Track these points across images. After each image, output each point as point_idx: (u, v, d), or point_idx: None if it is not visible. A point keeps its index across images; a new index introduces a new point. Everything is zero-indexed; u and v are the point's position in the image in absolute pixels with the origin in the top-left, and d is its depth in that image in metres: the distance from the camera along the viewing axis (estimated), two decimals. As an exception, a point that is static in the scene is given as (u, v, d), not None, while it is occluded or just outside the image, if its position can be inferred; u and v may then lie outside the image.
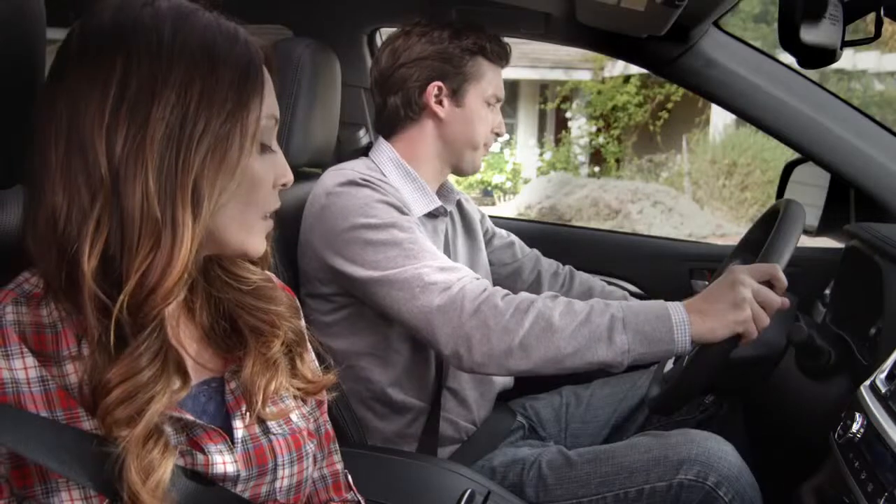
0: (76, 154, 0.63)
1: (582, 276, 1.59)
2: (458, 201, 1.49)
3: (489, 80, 1.35)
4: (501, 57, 1.37)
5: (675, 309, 1.09)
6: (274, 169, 0.72)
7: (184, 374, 0.68)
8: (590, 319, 1.09)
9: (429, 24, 1.33)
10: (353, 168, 1.27)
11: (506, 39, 1.39)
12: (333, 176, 1.25)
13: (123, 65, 0.63)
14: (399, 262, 1.15)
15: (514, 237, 1.61)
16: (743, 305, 1.07)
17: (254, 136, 0.68)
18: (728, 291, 1.08)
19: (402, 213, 1.22)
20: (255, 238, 0.73)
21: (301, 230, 1.27)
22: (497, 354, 1.09)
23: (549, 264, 1.60)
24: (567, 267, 1.60)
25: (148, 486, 0.63)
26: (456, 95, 1.33)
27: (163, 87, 0.63)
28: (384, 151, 1.35)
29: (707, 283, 1.31)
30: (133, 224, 0.63)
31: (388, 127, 1.37)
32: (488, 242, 1.58)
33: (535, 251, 1.62)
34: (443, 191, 1.42)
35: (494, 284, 1.31)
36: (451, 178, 1.46)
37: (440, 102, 1.32)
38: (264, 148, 0.71)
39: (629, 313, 1.09)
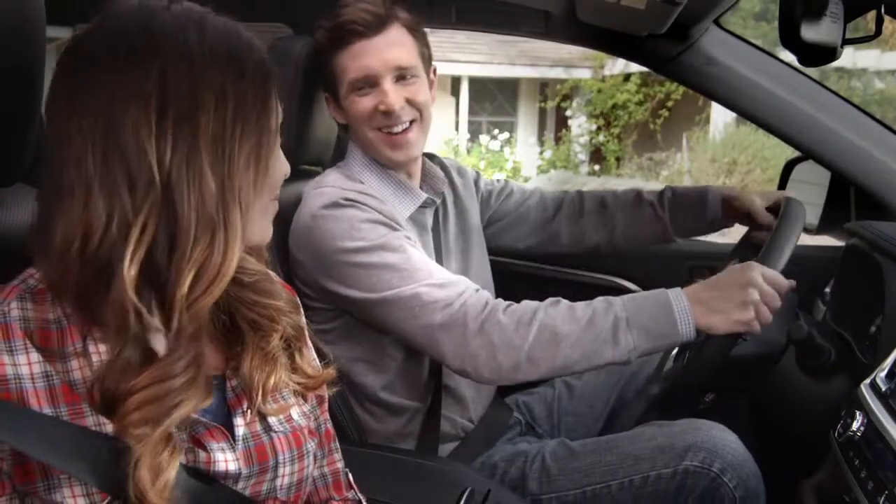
0: (117, 159, 0.62)
1: (593, 195, 1.54)
2: (455, 189, 1.45)
3: (342, 70, 1.23)
4: (345, 34, 1.21)
5: (677, 299, 1.09)
6: (283, 161, 0.75)
7: (208, 383, 0.69)
8: (593, 323, 1.09)
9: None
10: (335, 185, 1.24)
11: (506, 37, 1.38)
12: (316, 197, 1.22)
13: (160, 70, 0.63)
14: (394, 284, 1.14)
15: (512, 186, 1.56)
16: (749, 308, 1.07)
17: (276, 133, 0.70)
18: (739, 291, 1.08)
19: (390, 227, 1.19)
20: (269, 223, 0.75)
21: (290, 247, 1.25)
22: (505, 370, 1.10)
23: (551, 195, 1.55)
24: (574, 191, 1.56)
25: (157, 486, 0.63)
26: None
27: (203, 92, 0.64)
28: (357, 156, 1.31)
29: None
30: (188, 226, 0.63)
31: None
32: (493, 201, 1.53)
33: (538, 189, 1.58)
34: (428, 179, 1.37)
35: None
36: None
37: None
38: (278, 139, 0.73)
39: (632, 310, 1.09)
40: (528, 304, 1.13)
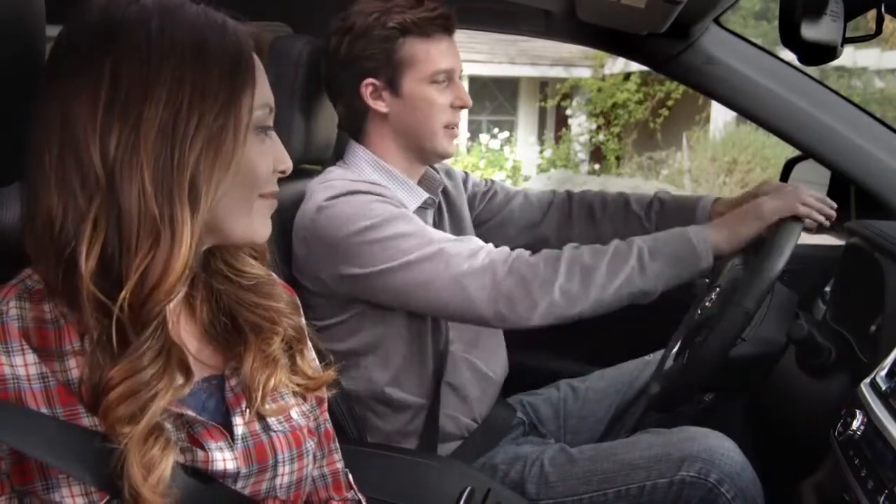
0: (70, 155, 0.63)
1: (582, 199, 1.53)
2: (447, 190, 1.45)
3: (426, 59, 1.24)
4: (436, 29, 1.24)
5: (694, 228, 1.18)
6: (272, 155, 0.73)
7: (186, 371, 0.68)
8: (619, 254, 1.14)
9: (353, 16, 1.25)
10: (340, 177, 1.25)
11: (506, 36, 1.38)
12: (322, 190, 1.22)
13: (113, 64, 0.63)
14: (414, 248, 1.15)
15: (498, 186, 1.55)
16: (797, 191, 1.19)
17: (247, 127, 0.68)
18: (752, 208, 1.20)
19: (398, 207, 1.21)
20: (258, 221, 0.73)
21: (293, 244, 1.24)
22: (541, 305, 1.11)
23: (539, 196, 1.55)
24: (563, 192, 1.56)
25: (149, 482, 0.63)
26: (393, 86, 1.25)
27: (153, 84, 0.63)
28: (359, 155, 1.31)
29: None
30: (131, 223, 0.63)
31: (350, 128, 1.35)
32: (477, 202, 1.53)
33: (524, 190, 1.56)
34: (426, 182, 1.38)
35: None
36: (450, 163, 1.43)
37: (379, 98, 1.27)
38: (260, 136, 0.71)
39: (651, 241, 1.16)
40: (551, 250, 1.16)
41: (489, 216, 1.53)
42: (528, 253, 1.15)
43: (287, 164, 0.74)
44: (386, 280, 1.16)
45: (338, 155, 1.41)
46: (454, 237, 1.19)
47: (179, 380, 0.67)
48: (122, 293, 0.62)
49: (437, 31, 1.24)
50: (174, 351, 0.67)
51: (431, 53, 1.24)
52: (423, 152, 1.31)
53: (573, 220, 1.51)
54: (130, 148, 0.63)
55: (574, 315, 1.13)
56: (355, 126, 1.34)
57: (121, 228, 0.63)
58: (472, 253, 1.14)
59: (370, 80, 1.26)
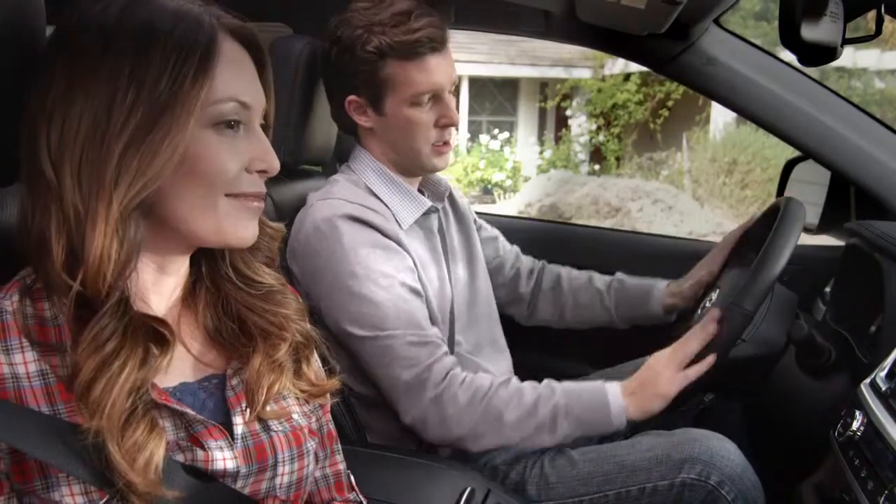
0: (30, 156, 0.65)
1: (551, 272, 1.59)
2: (450, 193, 1.46)
3: (404, 82, 1.21)
4: (413, 49, 1.20)
5: (614, 393, 1.18)
6: (242, 151, 0.70)
7: (160, 339, 0.67)
8: (536, 411, 1.17)
9: (338, 27, 1.23)
10: (342, 196, 1.23)
11: (506, 36, 1.37)
12: (322, 208, 1.22)
13: (64, 61, 0.65)
14: (375, 323, 1.17)
15: (497, 232, 1.59)
16: (672, 388, 1.17)
17: (191, 119, 0.65)
18: (660, 385, 1.18)
19: (391, 250, 1.21)
20: (228, 223, 0.70)
21: (288, 250, 1.24)
22: (449, 438, 1.19)
23: (526, 261, 1.60)
24: (541, 262, 1.61)
25: (136, 467, 0.62)
26: (374, 106, 1.25)
27: (92, 79, 0.64)
28: (363, 160, 1.31)
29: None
30: (68, 211, 0.64)
31: (352, 134, 1.35)
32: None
33: (516, 248, 1.61)
34: (431, 186, 1.38)
35: None
36: (450, 177, 1.44)
37: (364, 114, 1.27)
38: (220, 128, 0.68)
39: (572, 400, 1.18)
40: (481, 382, 1.18)
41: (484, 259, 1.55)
42: (461, 377, 1.18)
43: (266, 165, 0.71)
44: (340, 336, 1.21)
45: (339, 156, 1.42)
46: (413, 333, 1.18)
47: (154, 351, 0.66)
48: (79, 276, 0.63)
49: (419, 52, 1.20)
50: (137, 321, 0.66)
51: (412, 76, 1.21)
52: (412, 168, 1.31)
53: (542, 289, 1.58)
54: (63, 142, 0.64)
55: (477, 450, 1.20)
56: (353, 132, 1.34)
57: (67, 217, 0.64)
58: (415, 362, 1.17)
59: (353, 97, 1.26)
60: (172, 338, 0.68)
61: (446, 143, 1.28)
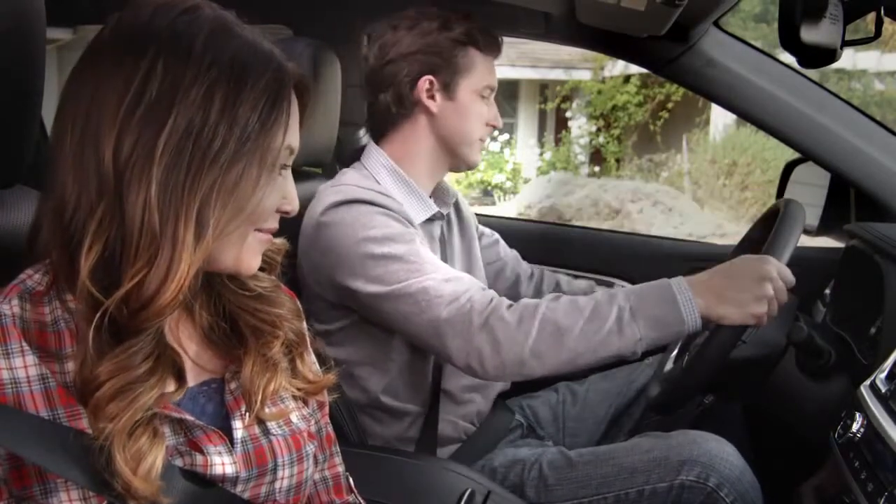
0: (90, 144, 0.63)
1: (549, 276, 1.59)
2: (455, 201, 1.47)
3: (481, 72, 1.30)
4: (493, 47, 1.32)
5: (680, 289, 1.08)
6: (280, 193, 0.71)
7: (179, 377, 0.68)
8: (597, 314, 1.08)
9: (417, 16, 1.29)
10: (349, 183, 1.25)
11: (506, 38, 1.38)
12: (330, 194, 1.23)
13: (148, 66, 0.62)
14: (402, 276, 1.14)
15: (497, 236, 1.59)
16: (763, 302, 1.07)
17: (272, 166, 0.67)
18: (755, 284, 1.07)
19: (401, 223, 1.21)
20: (248, 255, 0.71)
21: (299, 245, 1.25)
22: (510, 365, 1.10)
23: (526, 266, 1.60)
24: (539, 268, 1.61)
25: (139, 473, 0.62)
26: (448, 89, 1.29)
27: (183, 97, 0.62)
28: (377, 158, 1.32)
29: None
30: (133, 232, 0.62)
31: (381, 125, 1.34)
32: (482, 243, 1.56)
33: (515, 252, 1.61)
34: (439, 193, 1.40)
35: None
36: (450, 177, 1.45)
37: (432, 97, 1.29)
38: (274, 173, 0.70)
39: (635, 300, 1.09)
40: (528, 301, 1.13)
41: (484, 262, 1.55)
42: (507, 303, 1.13)
43: (293, 206, 0.73)
44: (372, 301, 1.17)
45: (339, 158, 1.41)
46: (444, 272, 1.16)
47: (171, 385, 0.67)
48: (116, 293, 0.62)
49: (492, 52, 1.32)
50: (168, 354, 0.67)
51: (487, 69, 1.31)
52: (454, 158, 1.34)
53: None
54: (144, 155, 0.61)
55: (544, 372, 1.11)
56: (386, 121, 1.33)
57: (123, 234, 0.62)
58: (453, 297, 1.12)
59: (430, 77, 1.29)
60: (183, 374, 0.70)
61: (482, 143, 1.36)
